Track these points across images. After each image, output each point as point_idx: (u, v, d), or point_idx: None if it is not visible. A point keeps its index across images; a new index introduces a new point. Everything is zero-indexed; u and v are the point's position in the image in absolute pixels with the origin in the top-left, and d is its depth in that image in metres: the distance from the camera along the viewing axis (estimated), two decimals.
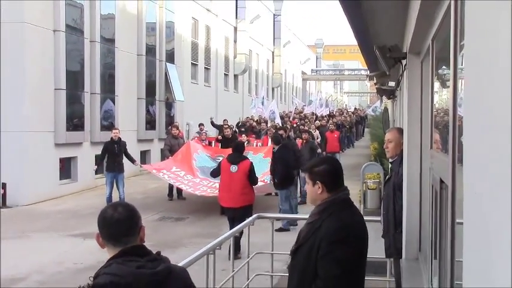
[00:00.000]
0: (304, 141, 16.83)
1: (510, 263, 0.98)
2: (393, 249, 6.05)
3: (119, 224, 2.95)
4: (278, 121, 28.08)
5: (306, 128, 21.77)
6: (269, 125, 26.13)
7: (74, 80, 19.69)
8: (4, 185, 16.84)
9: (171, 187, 16.89)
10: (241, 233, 10.00)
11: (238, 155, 11.35)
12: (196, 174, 15.39)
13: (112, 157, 15.36)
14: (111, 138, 15.70)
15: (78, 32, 20.03)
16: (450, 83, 2.81)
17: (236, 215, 10.46)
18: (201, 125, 22.99)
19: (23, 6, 17.26)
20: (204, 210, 14.55)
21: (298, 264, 3.95)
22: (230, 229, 8.26)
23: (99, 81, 21.22)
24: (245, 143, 17.76)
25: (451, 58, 2.73)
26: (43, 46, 18.08)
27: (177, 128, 18.70)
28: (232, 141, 18.57)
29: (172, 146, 17.13)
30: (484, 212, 1.21)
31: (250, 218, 7.96)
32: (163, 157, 18.02)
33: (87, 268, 10.26)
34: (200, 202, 15.19)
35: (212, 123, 23.24)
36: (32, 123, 17.54)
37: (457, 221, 2.66)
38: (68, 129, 18.93)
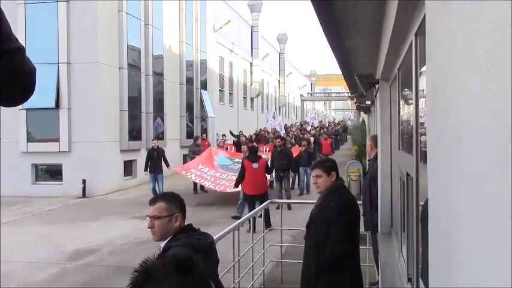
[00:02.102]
0: (304, 147, 16.56)
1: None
2: (369, 224, 6.03)
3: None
4: (283, 132, 27.93)
5: (306, 136, 21.73)
6: (282, 134, 26.04)
7: (134, 103, 19.76)
8: (84, 181, 16.92)
9: (195, 183, 16.50)
10: (268, 214, 10.10)
11: (255, 155, 11.56)
12: (217, 170, 15.26)
13: (153, 161, 15.08)
14: (152, 146, 15.49)
15: (137, 68, 20.11)
16: (413, 101, 2.79)
17: (260, 199, 10.53)
18: (223, 135, 22.98)
19: (97, 50, 17.37)
20: (227, 198, 14.50)
21: (313, 234, 4.19)
22: (250, 211, 8.19)
23: (151, 103, 21.28)
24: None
25: (413, 82, 2.70)
26: (111, 79, 18.19)
27: (203, 139, 18.56)
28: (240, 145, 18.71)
29: (195, 152, 16.82)
30: (442, 195, 1.19)
31: (265, 203, 7.94)
32: (187, 160, 17.69)
33: (144, 242, 10.26)
34: (217, 195, 15.09)
35: (231, 133, 23.20)
36: (103, 135, 17.64)
37: (420, 203, 2.63)
38: (129, 139, 19.00)
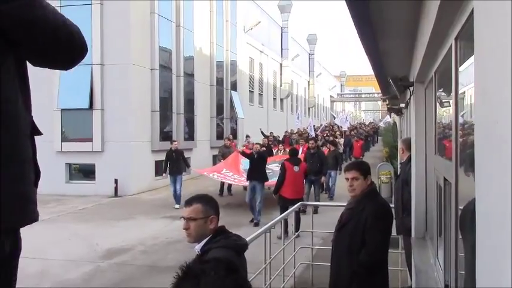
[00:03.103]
0: (330, 149, 16.21)
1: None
2: (402, 228, 5.95)
3: None
4: (312, 134, 27.76)
5: (333, 138, 21.43)
6: (312, 134, 25.88)
7: (165, 104, 19.97)
8: (116, 181, 17.18)
9: (221, 186, 16.40)
10: (299, 217, 9.99)
11: (296, 158, 11.34)
12: (242, 174, 14.95)
13: (172, 163, 14.85)
14: (171, 148, 15.12)
15: (168, 69, 20.32)
16: (452, 105, 2.74)
17: (296, 203, 10.22)
18: (247, 136, 22.94)
19: (130, 52, 17.62)
20: None
21: (345, 238, 4.14)
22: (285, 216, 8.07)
23: (182, 104, 21.47)
24: (282, 151, 17.62)
25: (453, 86, 2.66)
26: (143, 80, 18.44)
27: (229, 140, 18.38)
28: (268, 150, 18.41)
29: (224, 154, 16.70)
30: (492, 206, 1.16)
31: (296, 205, 7.90)
32: (216, 161, 17.51)
33: (175, 241, 10.37)
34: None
35: (262, 132, 23.09)
36: (135, 135, 17.89)
37: (459, 208, 2.58)
38: (160, 140, 19.19)
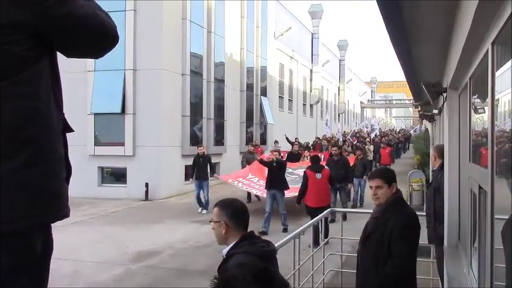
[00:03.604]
0: (358, 157, 15.70)
1: None
2: (434, 237, 5.84)
3: (247, 214, 2.99)
4: (340, 139, 27.47)
5: (363, 145, 21.04)
6: (340, 140, 25.68)
7: (195, 109, 20.12)
8: (147, 184, 17.39)
9: (249, 192, 15.80)
10: (327, 224, 9.80)
11: (318, 165, 10.94)
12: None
13: (198, 168, 14.68)
14: (198, 153, 14.94)
15: (199, 75, 20.48)
16: (489, 112, 2.68)
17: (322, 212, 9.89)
18: (275, 142, 22.83)
19: (162, 57, 17.85)
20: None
21: (370, 249, 4.01)
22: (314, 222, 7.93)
23: (213, 109, 21.59)
24: (308, 157, 17.24)
25: (489, 93, 2.60)
26: (174, 85, 18.64)
27: (253, 146, 18.29)
28: (296, 156, 18.09)
29: (248, 159, 16.61)
30: None
31: (325, 212, 7.82)
32: (242, 167, 17.22)
33: (204, 246, 10.42)
34: None
35: (287, 139, 22.94)
36: (166, 140, 18.08)
37: (495, 217, 2.53)
38: (190, 145, 19.32)
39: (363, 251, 4.14)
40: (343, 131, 40.31)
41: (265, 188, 12.60)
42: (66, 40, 1.54)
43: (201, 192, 14.67)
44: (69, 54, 1.63)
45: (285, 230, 11.53)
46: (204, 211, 14.32)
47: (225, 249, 2.90)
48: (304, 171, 10.85)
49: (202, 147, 15.18)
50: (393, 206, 4.02)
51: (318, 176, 10.48)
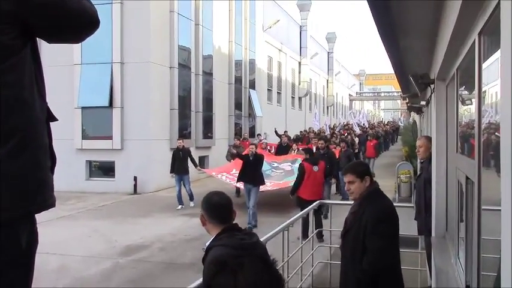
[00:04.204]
0: (343, 149, 15.52)
1: None
2: (424, 228, 5.87)
3: (225, 208, 2.96)
4: (327, 132, 27.40)
5: (348, 138, 20.89)
6: (327, 133, 25.67)
7: (184, 103, 20.03)
8: (135, 178, 17.32)
9: (238, 187, 15.25)
10: (320, 220, 9.74)
11: (314, 157, 10.87)
12: None
13: (178, 162, 14.36)
14: (177, 147, 14.65)
15: (187, 68, 20.39)
16: (475, 103, 2.69)
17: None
18: (258, 135, 22.73)
19: (149, 50, 17.73)
20: (273, 200, 14.49)
21: (349, 244, 3.99)
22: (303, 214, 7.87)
23: (201, 103, 21.51)
24: (296, 150, 17.24)
25: (476, 83, 2.60)
26: (162, 79, 18.54)
27: (239, 139, 18.09)
28: (286, 148, 17.97)
29: (232, 154, 15.67)
30: None
31: (314, 204, 7.80)
32: (228, 161, 16.88)
33: (193, 239, 10.41)
34: (267, 196, 14.93)
35: (276, 132, 22.91)
36: (154, 133, 18.01)
37: (482, 207, 2.54)
38: (179, 138, 19.23)
39: (343, 247, 4.13)
40: (333, 124, 40.42)
41: (238, 181, 12.42)
42: (48, 25, 1.53)
43: (183, 187, 14.37)
44: (50, 39, 1.62)
45: (251, 229, 11.33)
46: (180, 206, 14.18)
47: (207, 242, 2.91)
48: (301, 164, 10.63)
49: (181, 141, 14.83)
50: (367, 199, 3.96)
51: (315, 168, 10.40)
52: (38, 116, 1.52)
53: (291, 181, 14.18)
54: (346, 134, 25.30)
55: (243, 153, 12.76)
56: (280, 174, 14.81)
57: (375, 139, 24.23)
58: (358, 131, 29.64)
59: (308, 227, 9.17)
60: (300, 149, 16.98)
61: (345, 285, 4.10)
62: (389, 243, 3.88)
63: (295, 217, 6.49)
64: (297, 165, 14.84)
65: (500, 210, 1.33)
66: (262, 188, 12.64)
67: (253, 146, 12.38)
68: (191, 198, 14.36)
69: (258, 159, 12.07)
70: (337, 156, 14.92)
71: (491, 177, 2.28)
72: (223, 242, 2.75)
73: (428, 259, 6.02)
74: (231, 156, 16.06)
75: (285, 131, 24.91)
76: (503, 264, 1.25)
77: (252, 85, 28.73)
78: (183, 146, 14.67)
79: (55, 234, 10.37)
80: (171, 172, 14.50)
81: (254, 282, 1.33)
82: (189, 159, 14.55)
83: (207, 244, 2.88)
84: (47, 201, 1.53)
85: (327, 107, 54.90)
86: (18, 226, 1.46)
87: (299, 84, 42.05)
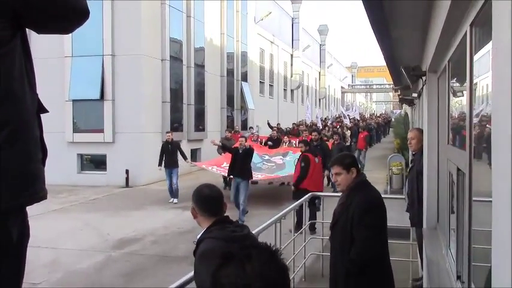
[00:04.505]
0: (335, 142, 15.34)
1: None
2: (417, 219, 5.89)
3: (216, 201, 2.95)
4: (319, 124, 27.43)
5: (339, 130, 20.90)
6: (319, 125, 25.73)
7: (176, 95, 19.96)
8: (127, 171, 17.27)
9: (224, 179, 15.27)
10: (315, 212, 9.71)
11: (314, 149, 10.87)
12: None
13: (167, 155, 14.18)
14: (166, 140, 14.43)
15: (179, 60, 20.30)
16: (467, 94, 2.69)
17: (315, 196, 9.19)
18: (250, 128, 22.71)
19: (140, 43, 17.63)
20: (265, 193, 14.52)
21: (337, 235, 4.01)
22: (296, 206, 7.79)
23: (193, 95, 21.45)
24: (287, 143, 17.24)
25: (468, 75, 2.61)
26: (154, 71, 18.45)
27: (230, 132, 17.83)
28: (277, 140, 17.90)
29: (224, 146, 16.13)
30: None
31: (306, 196, 7.80)
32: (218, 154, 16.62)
33: (186, 231, 10.42)
34: (259, 189, 15.02)
35: (268, 124, 22.93)
36: (146, 126, 17.94)
37: (473, 199, 2.55)
38: (168, 131, 19.15)
39: (332, 238, 4.15)
40: (325, 116, 40.48)
41: (228, 175, 12.28)
42: (38, 15, 1.51)
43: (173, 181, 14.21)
44: (40, 30, 1.60)
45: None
46: (175, 200, 14.05)
47: (198, 235, 2.91)
48: (306, 156, 10.38)
49: (170, 134, 14.62)
50: (354, 190, 3.97)
51: (316, 160, 10.38)
52: (29, 108, 1.50)
53: (281, 175, 14.24)
54: (338, 127, 25.37)
55: (233, 146, 12.63)
56: (271, 168, 14.82)
57: (366, 131, 24.29)
58: (348, 123, 29.69)
59: (302, 219, 9.18)
60: (295, 142, 17.08)
61: (335, 276, 4.12)
62: (376, 234, 3.89)
63: (287, 209, 6.50)
64: (288, 158, 14.96)
65: (491, 201, 1.34)
66: (253, 176, 12.56)
67: (243, 139, 12.21)
68: (176, 194, 14.15)
69: (248, 153, 11.87)
70: (330, 149, 14.92)
71: (482, 169, 2.29)
72: (214, 234, 2.75)
73: (419, 250, 6.06)
74: (221, 149, 15.74)
75: (278, 124, 24.95)
76: (494, 255, 1.25)
77: (244, 77, 28.69)
78: (172, 139, 14.50)
79: (47, 227, 10.33)
80: (159, 165, 14.29)
81: (261, 272, 1.35)
82: (178, 153, 14.40)
83: (198, 237, 2.88)
84: (38, 193, 1.52)
85: (319, 100, 54.96)
86: (9, 219, 1.44)
87: (291, 76, 42.04)
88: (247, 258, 1.36)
